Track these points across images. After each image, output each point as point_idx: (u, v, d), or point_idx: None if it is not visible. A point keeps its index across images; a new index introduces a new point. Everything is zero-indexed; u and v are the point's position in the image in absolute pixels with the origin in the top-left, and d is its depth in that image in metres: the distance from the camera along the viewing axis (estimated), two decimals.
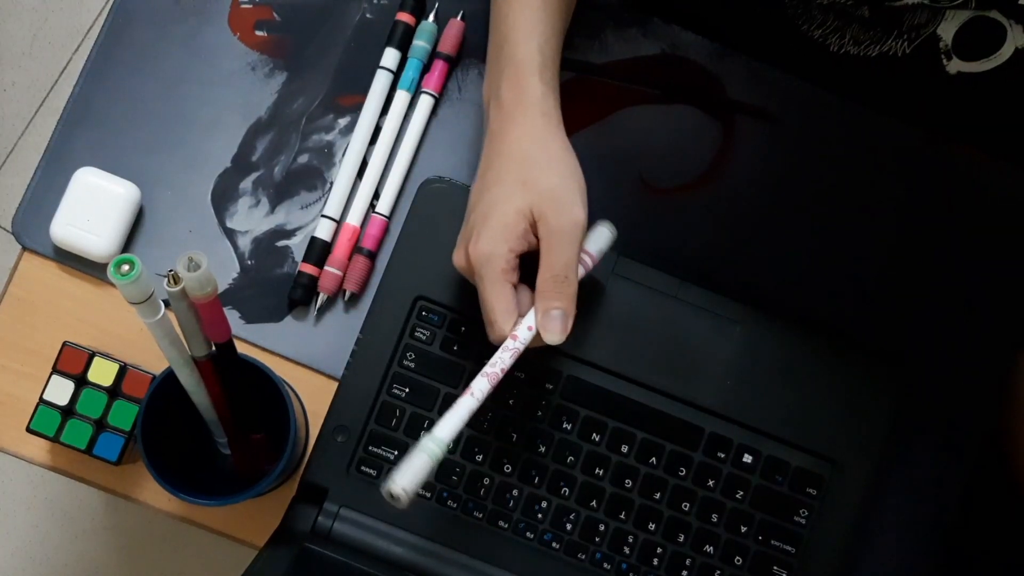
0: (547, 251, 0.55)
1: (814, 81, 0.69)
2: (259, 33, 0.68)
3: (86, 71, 0.67)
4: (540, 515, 0.63)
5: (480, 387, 0.55)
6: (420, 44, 0.67)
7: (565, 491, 0.63)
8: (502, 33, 0.59)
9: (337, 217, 0.66)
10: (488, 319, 0.56)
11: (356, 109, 0.67)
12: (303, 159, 0.67)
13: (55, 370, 0.62)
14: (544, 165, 0.56)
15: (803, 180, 0.69)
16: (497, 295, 0.55)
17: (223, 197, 0.67)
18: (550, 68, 0.59)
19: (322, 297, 0.65)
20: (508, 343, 0.55)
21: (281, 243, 0.67)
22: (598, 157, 0.68)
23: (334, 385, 0.64)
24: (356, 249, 0.66)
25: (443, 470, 0.63)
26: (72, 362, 0.62)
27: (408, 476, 0.52)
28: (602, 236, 0.60)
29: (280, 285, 0.66)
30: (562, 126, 0.59)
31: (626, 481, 0.63)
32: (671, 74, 0.69)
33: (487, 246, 0.55)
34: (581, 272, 0.58)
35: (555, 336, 0.55)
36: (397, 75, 0.68)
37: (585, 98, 0.69)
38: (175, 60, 0.68)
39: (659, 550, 0.63)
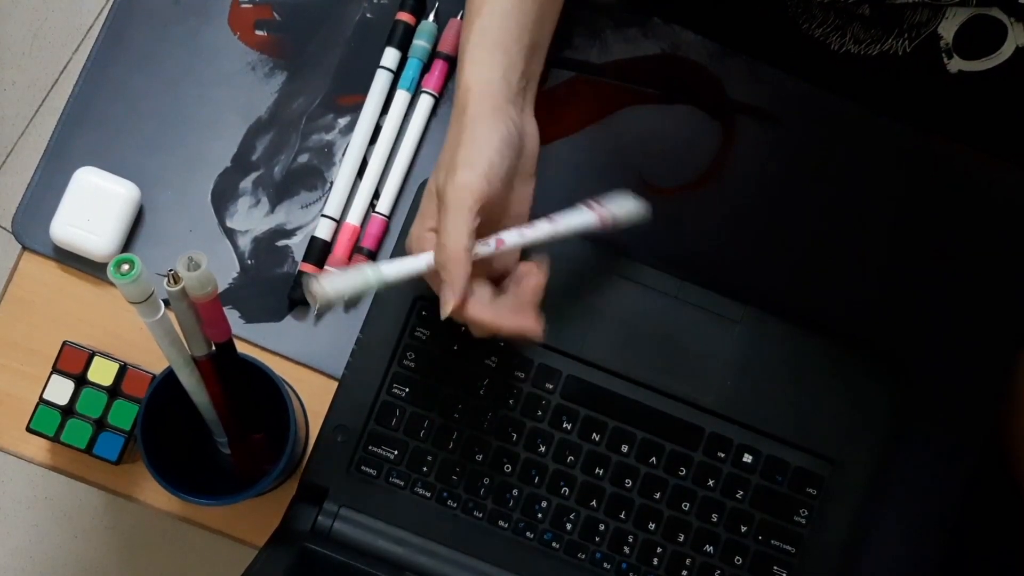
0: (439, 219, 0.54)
1: (814, 81, 0.69)
2: (259, 33, 0.68)
3: (86, 71, 0.67)
4: (540, 515, 0.63)
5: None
6: (420, 44, 0.67)
7: (565, 491, 0.63)
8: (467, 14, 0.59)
9: (337, 217, 0.66)
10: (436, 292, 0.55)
11: (356, 109, 0.67)
12: (303, 159, 0.67)
13: (55, 370, 0.62)
14: (458, 142, 0.54)
15: (803, 180, 0.69)
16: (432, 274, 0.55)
17: (223, 197, 0.67)
18: (501, 47, 0.56)
19: None
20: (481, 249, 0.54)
21: (281, 243, 0.67)
22: (598, 157, 0.68)
23: (334, 385, 0.64)
24: (356, 249, 0.66)
25: (443, 470, 0.63)
26: (72, 362, 0.62)
27: (337, 282, 0.53)
28: (624, 202, 0.59)
29: (280, 285, 0.66)
30: (504, 106, 0.55)
31: (626, 481, 0.63)
32: (671, 74, 0.69)
33: (412, 235, 0.56)
34: (592, 220, 0.57)
35: (447, 307, 0.53)
36: (397, 75, 0.68)
37: (585, 98, 0.69)
38: (175, 60, 0.68)
39: (659, 550, 0.63)
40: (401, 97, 0.67)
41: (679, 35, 0.69)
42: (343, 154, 0.67)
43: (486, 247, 0.54)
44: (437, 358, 0.64)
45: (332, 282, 0.53)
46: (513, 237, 0.56)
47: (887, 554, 0.66)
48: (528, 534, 0.63)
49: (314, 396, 0.65)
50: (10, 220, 0.69)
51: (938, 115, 0.69)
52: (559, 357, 0.64)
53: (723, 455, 0.64)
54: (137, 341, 0.65)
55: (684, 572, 0.63)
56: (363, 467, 0.63)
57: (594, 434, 0.64)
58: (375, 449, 0.63)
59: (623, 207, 0.59)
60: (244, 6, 0.68)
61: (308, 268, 0.65)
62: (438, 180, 0.54)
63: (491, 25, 0.56)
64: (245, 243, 0.66)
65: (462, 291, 0.52)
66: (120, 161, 0.66)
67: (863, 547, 0.66)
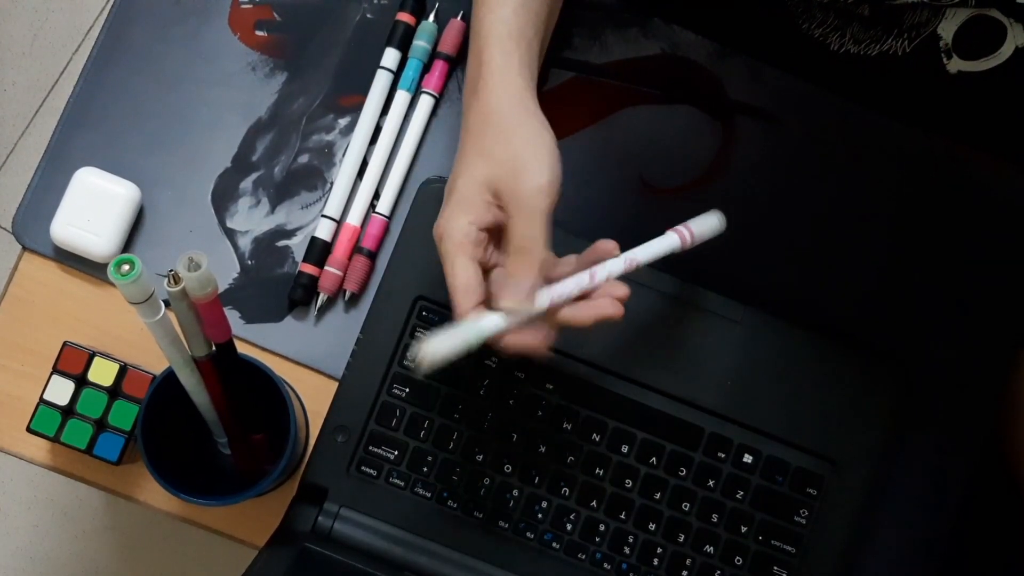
0: (509, 223, 0.52)
1: (814, 81, 0.69)
2: (259, 33, 0.68)
3: (86, 71, 0.67)
4: (540, 515, 0.63)
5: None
6: (420, 44, 0.67)
7: (565, 491, 0.63)
8: (475, 9, 0.58)
9: (337, 217, 0.66)
10: (451, 298, 0.53)
11: (356, 109, 0.67)
12: (303, 159, 0.67)
13: (55, 370, 0.62)
14: (501, 133, 0.53)
15: (803, 180, 0.69)
16: (454, 270, 0.52)
17: (223, 197, 0.67)
18: (515, 37, 0.56)
19: (322, 297, 0.65)
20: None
21: (281, 243, 0.67)
22: (598, 157, 0.68)
23: (334, 385, 0.64)
24: (356, 249, 0.66)
25: (443, 470, 0.63)
26: (72, 362, 0.62)
27: (440, 344, 0.51)
28: (709, 221, 0.58)
29: (280, 285, 0.66)
30: (527, 93, 0.55)
31: (626, 481, 0.63)
32: (671, 74, 0.69)
33: (445, 221, 0.53)
34: (675, 244, 0.56)
35: (507, 302, 0.51)
36: (397, 75, 0.68)
37: (585, 98, 0.69)
38: (175, 60, 0.68)
39: (659, 550, 0.63)
40: (401, 97, 0.67)
41: (679, 35, 0.69)
42: (343, 154, 0.67)
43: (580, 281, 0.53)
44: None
45: (436, 345, 0.51)
46: (610, 268, 0.54)
47: (887, 554, 0.66)
48: (528, 534, 0.63)
49: (314, 396, 0.65)
50: (10, 220, 0.69)
51: (938, 115, 0.69)
52: (559, 357, 0.64)
53: (723, 455, 0.64)
54: (137, 341, 0.65)
55: (684, 572, 0.63)
56: (363, 467, 0.63)
57: (594, 434, 0.64)
58: (375, 449, 0.63)
59: (706, 224, 0.58)
60: (244, 6, 0.68)
61: (308, 268, 0.65)
62: (494, 176, 0.52)
63: (512, 18, 0.56)
64: (245, 243, 0.66)
65: (533, 288, 0.52)
66: (120, 161, 0.66)
67: (863, 547, 0.66)
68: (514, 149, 0.53)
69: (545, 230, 0.52)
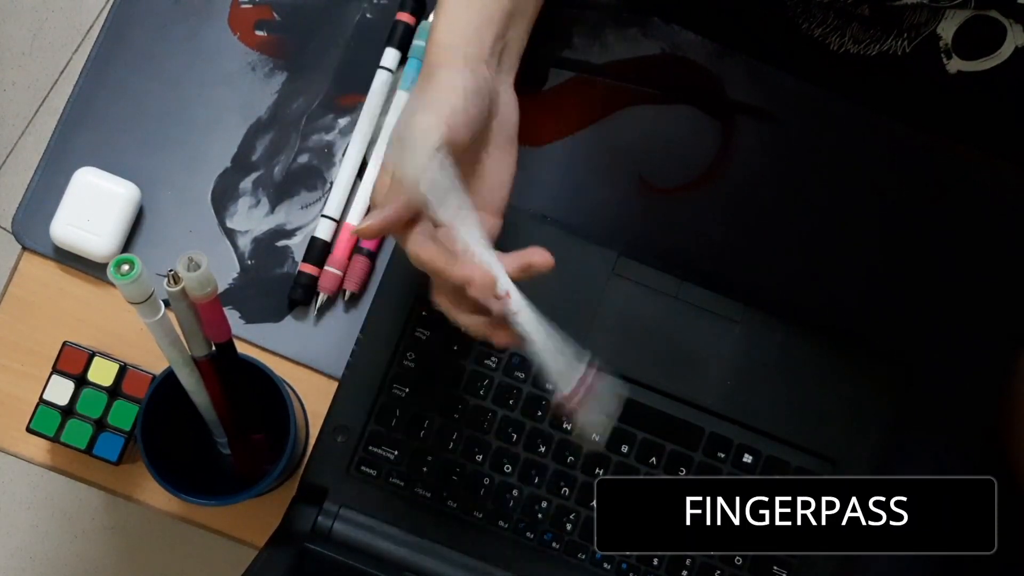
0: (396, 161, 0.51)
1: (814, 81, 0.69)
2: (259, 33, 0.68)
3: (86, 71, 0.67)
4: (540, 515, 0.63)
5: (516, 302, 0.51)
6: (420, 44, 0.67)
7: (565, 491, 0.63)
8: None
9: (337, 217, 0.66)
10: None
11: (356, 109, 0.67)
12: (303, 159, 0.67)
13: (55, 370, 0.62)
14: (420, 86, 0.53)
15: (803, 180, 0.69)
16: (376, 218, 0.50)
17: (223, 197, 0.67)
18: (476, 5, 0.55)
19: (322, 297, 0.65)
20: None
21: (281, 243, 0.67)
22: (598, 157, 0.68)
23: (334, 385, 0.64)
24: (356, 249, 0.66)
25: (443, 470, 0.63)
26: (72, 362, 0.62)
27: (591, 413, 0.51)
28: (599, 410, 0.53)
29: (280, 285, 0.66)
30: (458, 52, 0.54)
31: None
32: (671, 74, 0.69)
33: (376, 183, 0.53)
34: (570, 380, 0.52)
35: (361, 225, 0.50)
36: (397, 75, 0.68)
37: (585, 98, 0.69)
38: (175, 60, 0.68)
39: None
40: (401, 97, 0.67)
41: (679, 35, 0.69)
42: (343, 154, 0.67)
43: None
44: (437, 358, 0.64)
45: (588, 416, 0.51)
46: (520, 302, 0.52)
47: (887, 555, 0.66)
48: (528, 534, 0.63)
49: (314, 396, 0.65)
50: (10, 220, 0.69)
51: (937, 115, 0.69)
52: None
53: (723, 455, 0.64)
54: (137, 341, 0.65)
55: (684, 572, 0.63)
56: (363, 467, 0.63)
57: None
58: (375, 449, 0.63)
59: (593, 416, 0.52)
60: (244, 6, 0.68)
61: (308, 268, 0.65)
62: (399, 127, 0.52)
63: None
64: (245, 243, 0.66)
65: (394, 215, 0.49)
66: (120, 161, 0.66)
67: None
68: (417, 102, 0.52)
69: (424, 166, 0.49)
